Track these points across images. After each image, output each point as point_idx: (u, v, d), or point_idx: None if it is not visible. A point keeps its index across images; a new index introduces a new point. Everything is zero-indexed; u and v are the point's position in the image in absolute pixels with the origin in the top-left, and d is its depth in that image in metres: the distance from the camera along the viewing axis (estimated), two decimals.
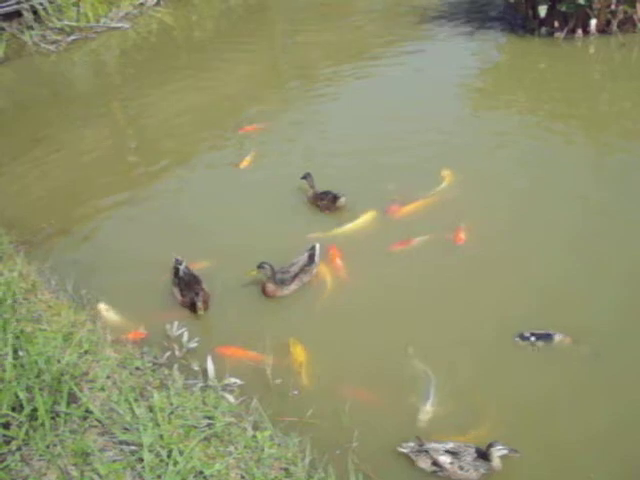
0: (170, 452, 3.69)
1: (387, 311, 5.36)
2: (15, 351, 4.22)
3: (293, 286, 5.73)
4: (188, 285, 5.69)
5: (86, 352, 4.57)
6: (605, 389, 4.49)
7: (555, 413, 4.35)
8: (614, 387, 4.50)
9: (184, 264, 5.89)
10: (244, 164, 7.82)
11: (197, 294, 5.52)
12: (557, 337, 4.80)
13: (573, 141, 7.95)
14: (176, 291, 5.75)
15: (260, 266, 5.63)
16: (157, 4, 14.68)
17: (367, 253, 6.05)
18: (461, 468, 3.96)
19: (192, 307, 5.55)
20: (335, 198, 6.69)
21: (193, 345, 5.02)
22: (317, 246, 6.02)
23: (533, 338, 4.80)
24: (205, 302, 5.57)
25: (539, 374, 4.65)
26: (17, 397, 3.82)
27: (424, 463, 4.03)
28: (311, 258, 5.93)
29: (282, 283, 5.69)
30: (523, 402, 4.44)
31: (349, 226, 6.42)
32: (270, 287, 5.67)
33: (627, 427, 4.20)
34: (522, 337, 4.84)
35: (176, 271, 5.86)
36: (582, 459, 4.05)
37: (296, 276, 5.76)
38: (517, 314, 5.13)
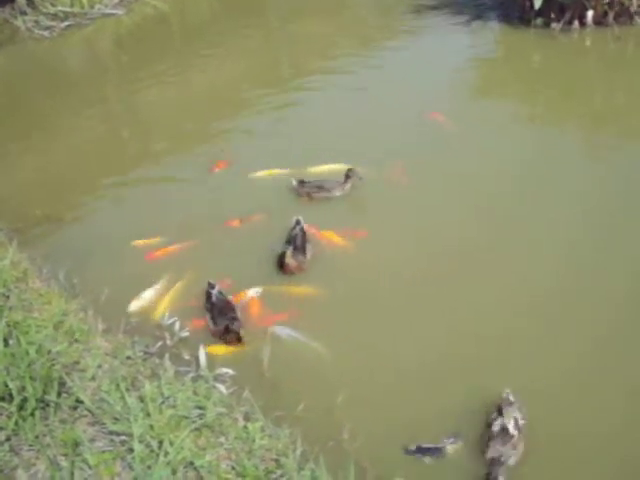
0: (161, 443, 3.67)
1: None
2: (5, 340, 4.20)
3: (308, 256, 5.79)
4: (221, 312, 5.21)
5: (77, 341, 4.55)
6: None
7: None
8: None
9: (217, 287, 5.41)
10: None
11: (233, 320, 5.10)
12: (448, 447, 4.11)
13: (568, 133, 7.93)
14: (208, 318, 5.28)
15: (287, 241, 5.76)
16: None
17: None
18: None
19: (224, 337, 5.07)
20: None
21: (185, 334, 5.01)
22: (301, 218, 6.05)
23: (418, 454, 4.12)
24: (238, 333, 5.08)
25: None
26: (7, 386, 3.80)
27: None
28: (302, 231, 5.93)
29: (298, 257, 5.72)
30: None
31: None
32: (293, 262, 5.65)
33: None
34: (407, 451, 4.12)
35: (208, 296, 5.38)
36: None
37: (305, 247, 5.80)
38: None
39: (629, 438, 4.09)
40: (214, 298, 5.31)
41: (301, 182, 6.80)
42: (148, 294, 5.62)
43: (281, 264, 5.72)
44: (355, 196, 6.75)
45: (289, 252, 5.64)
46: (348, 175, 6.70)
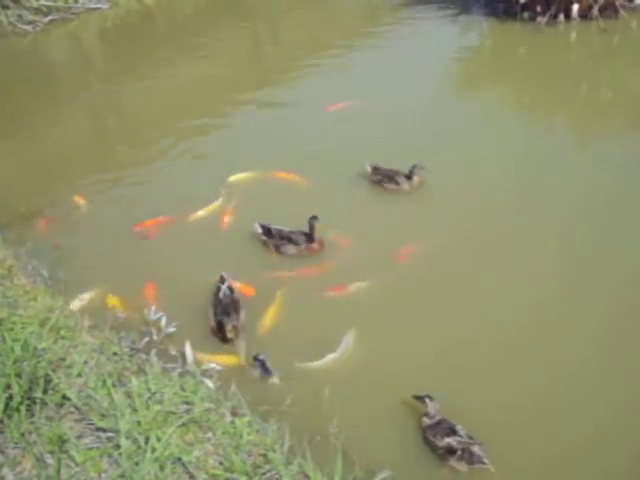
0: (148, 439, 3.66)
1: None
2: None
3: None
4: (224, 309, 5.03)
5: (63, 337, 4.52)
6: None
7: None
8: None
9: (227, 283, 5.23)
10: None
11: (228, 315, 4.95)
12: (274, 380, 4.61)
13: (555, 126, 7.96)
14: (210, 313, 5.13)
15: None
16: None
17: None
18: None
19: (221, 334, 4.95)
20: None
21: (171, 330, 4.99)
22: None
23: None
24: (235, 328, 4.93)
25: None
26: None
27: None
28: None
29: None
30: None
31: None
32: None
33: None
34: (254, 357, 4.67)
35: (217, 290, 5.20)
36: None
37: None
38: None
39: (630, 440, 4.10)
40: (221, 294, 5.15)
41: (375, 168, 6.62)
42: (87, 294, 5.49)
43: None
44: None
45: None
46: (412, 171, 6.54)
